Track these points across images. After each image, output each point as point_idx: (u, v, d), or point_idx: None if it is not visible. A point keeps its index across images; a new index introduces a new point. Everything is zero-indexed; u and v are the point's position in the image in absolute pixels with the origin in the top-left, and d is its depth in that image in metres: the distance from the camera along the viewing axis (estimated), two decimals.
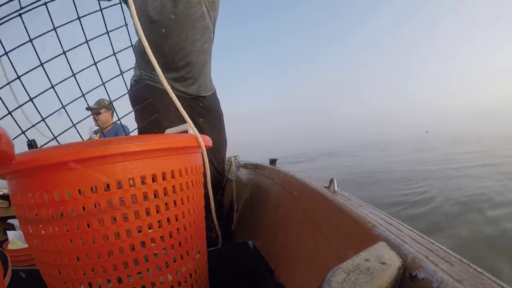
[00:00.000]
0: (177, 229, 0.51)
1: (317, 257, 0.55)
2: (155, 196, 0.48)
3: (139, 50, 1.09)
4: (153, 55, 1.06)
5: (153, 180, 0.48)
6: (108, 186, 0.44)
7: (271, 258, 0.80)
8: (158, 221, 0.48)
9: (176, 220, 0.51)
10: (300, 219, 0.69)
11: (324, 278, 0.27)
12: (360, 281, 0.26)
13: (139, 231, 0.47)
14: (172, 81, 1.11)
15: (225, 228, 1.58)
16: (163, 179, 0.49)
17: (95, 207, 0.44)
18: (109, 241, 0.45)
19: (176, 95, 1.10)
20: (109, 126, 2.16)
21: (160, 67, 1.08)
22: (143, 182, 0.46)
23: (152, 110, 1.01)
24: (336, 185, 0.60)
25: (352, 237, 0.44)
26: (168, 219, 0.50)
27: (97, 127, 2.13)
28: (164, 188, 0.49)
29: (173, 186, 0.51)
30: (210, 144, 0.64)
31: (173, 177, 0.51)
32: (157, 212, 0.48)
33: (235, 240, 1.37)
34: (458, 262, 0.28)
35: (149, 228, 0.48)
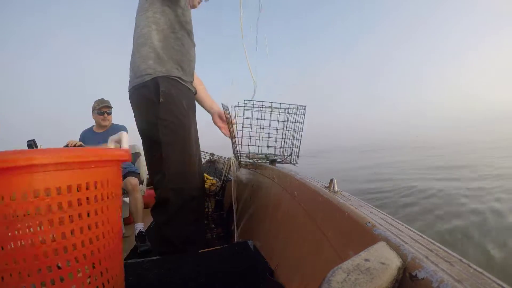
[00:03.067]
0: (82, 241, 0.49)
1: (317, 257, 0.55)
2: (60, 208, 0.47)
3: (170, 47, 1.11)
4: (187, 60, 1.17)
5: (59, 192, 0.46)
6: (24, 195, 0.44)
7: (271, 258, 0.80)
8: (63, 233, 0.47)
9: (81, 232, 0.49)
10: (300, 219, 0.69)
11: (324, 278, 0.27)
12: (360, 281, 0.26)
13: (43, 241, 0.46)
14: (190, 84, 1.21)
15: (225, 228, 1.58)
16: (77, 190, 0.48)
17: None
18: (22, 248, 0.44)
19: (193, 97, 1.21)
20: (108, 126, 2.15)
21: (187, 69, 1.18)
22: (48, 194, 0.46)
23: (183, 108, 1.11)
24: (336, 185, 0.60)
25: (352, 237, 0.44)
26: (72, 232, 0.48)
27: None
28: (78, 199, 0.48)
29: (87, 198, 0.50)
30: (129, 158, 0.61)
31: (87, 188, 0.50)
32: (61, 223, 0.47)
33: (235, 240, 1.37)
34: (458, 262, 0.28)
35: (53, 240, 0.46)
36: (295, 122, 1.13)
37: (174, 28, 1.12)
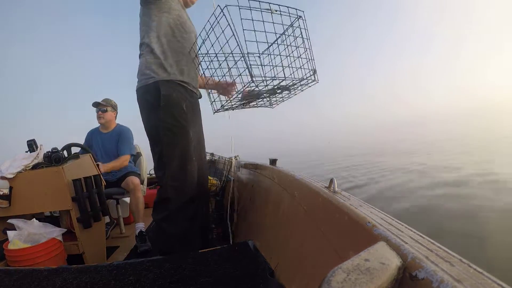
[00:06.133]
0: None
1: (317, 257, 0.55)
2: None
3: (173, 50, 1.15)
4: (189, 59, 1.20)
5: None
6: None
7: (271, 258, 0.80)
8: None
9: None
10: (300, 219, 0.69)
11: (324, 278, 0.27)
12: (360, 281, 0.26)
13: None
14: (193, 87, 1.25)
15: (225, 228, 1.59)
16: None
17: None
18: None
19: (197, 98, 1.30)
20: (111, 127, 2.14)
21: (191, 73, 1.22)
22: None
23: (182, 111, 1.15)
24: (336, 185, 0.60)
25: (352, 237, 0.44)
26: None
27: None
28: None
29: None
30: None
31: None
32: None
33: (235, 240, 1.37)
34: (458, 262, 0.28)
35: None
36: (300, 30, 0.92)
37: (174, 32, 1.16)
